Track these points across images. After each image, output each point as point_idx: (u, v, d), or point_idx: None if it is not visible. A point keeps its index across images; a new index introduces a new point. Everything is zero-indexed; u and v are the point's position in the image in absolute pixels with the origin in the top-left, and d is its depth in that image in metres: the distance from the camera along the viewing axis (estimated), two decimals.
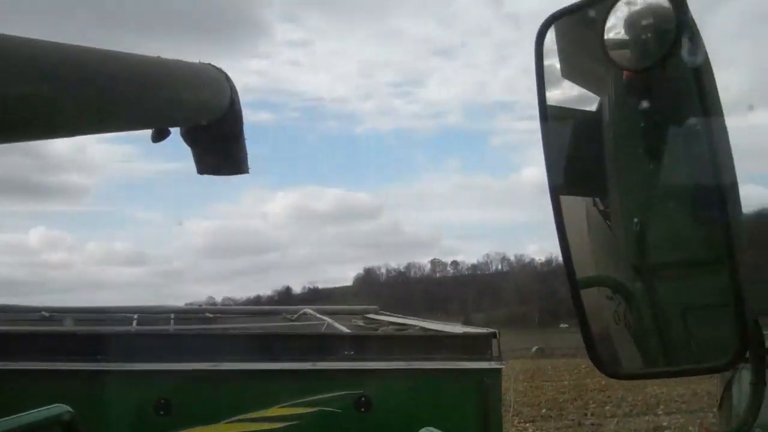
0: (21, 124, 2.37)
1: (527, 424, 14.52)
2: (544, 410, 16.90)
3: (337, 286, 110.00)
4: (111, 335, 5.80)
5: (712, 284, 1.37)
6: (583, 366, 26.76)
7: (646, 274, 1.45)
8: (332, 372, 5.41)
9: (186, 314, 8.32)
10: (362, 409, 5.31)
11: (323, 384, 5.34)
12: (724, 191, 1.28)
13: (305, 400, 5.26)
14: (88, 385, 4.97)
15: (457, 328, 6.52)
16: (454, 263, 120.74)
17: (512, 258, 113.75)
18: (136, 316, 7.40)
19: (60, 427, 2.61)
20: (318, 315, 7.71)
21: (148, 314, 7.65)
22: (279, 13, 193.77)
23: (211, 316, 8.29)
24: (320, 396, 5.28)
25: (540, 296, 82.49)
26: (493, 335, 5.72)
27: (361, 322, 7.93)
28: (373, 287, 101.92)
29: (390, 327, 7.13)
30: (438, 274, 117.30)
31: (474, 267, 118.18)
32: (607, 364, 1.41)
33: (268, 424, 5.19)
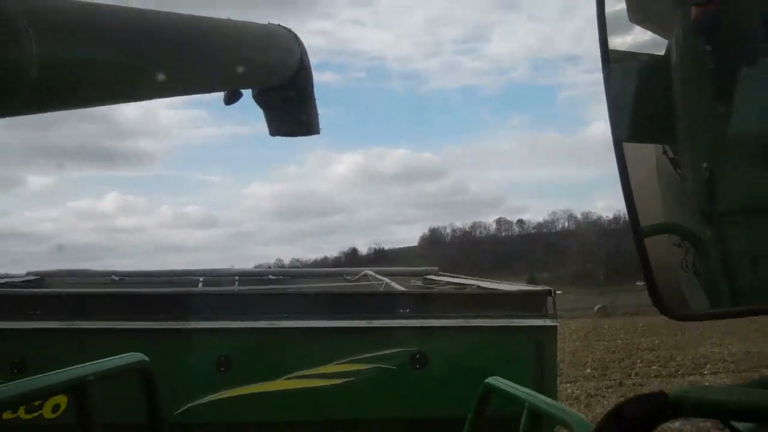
0: (94, 88, 2.41)
1: (567, 384, 14.25)
2: (588, 370, 16.62)
3: (402, 246, 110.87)
4: (175, 295, 6.01)
5: None
6: (640, 324, 26.26)
7: (716, 220, 1.41)
8: (388, 330, 5.48)
9: (250, 276, 8.53)
10: (418, 366, 5.40)
11: (379, 341, 5.42)
12: None
13: (361, 357, 5.35)
14: (151, 342, 5.17)
15: (513, 287, 6.52)
16: (520, 222, 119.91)
17: (579, 215, 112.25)
18: (201, 279, 7.62)
19: (137, 374, 2.78)
20: (378, 276, 7.80)
21: (213, 277, 7.88)
22: None
23: (273, 278, 8.48)
24: (376, 353, 5.37)
25: (607, 254, 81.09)
26: (548, 293, 5.70)
27: (419, 283, 7.99)
28: (439, 247, 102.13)
29: (447, 287, 7.17)
30: (503, 233, 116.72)
31: (540, 225, 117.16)
32: (670, 308, 1.37)
33: (324, 381, 5.33)
